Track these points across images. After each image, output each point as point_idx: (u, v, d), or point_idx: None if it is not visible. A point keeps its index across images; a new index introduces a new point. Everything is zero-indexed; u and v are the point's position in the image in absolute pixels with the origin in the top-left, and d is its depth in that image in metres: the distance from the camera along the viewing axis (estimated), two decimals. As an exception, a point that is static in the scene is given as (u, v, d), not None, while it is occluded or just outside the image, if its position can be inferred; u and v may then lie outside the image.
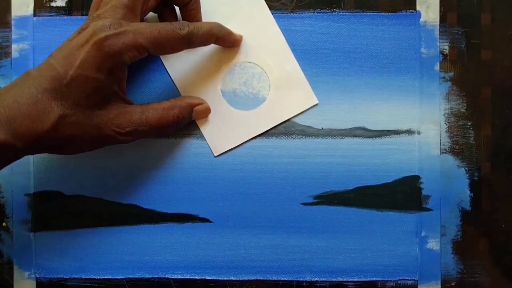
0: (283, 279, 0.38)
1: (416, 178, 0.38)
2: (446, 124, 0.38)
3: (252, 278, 0.38)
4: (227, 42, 0.37)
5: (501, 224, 0.38)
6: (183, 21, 0.34)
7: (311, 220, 0.38)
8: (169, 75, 0.39)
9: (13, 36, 0.39)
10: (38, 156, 0.38)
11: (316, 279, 0.38)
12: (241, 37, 0.38)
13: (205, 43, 0.35)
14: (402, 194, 0.38)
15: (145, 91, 0.39)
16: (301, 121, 0.38)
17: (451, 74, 0.38)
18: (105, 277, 0.38)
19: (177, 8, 0.37)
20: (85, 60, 0.31)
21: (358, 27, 0.38)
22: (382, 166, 0.38)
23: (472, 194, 0.38)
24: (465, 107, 0.38)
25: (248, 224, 0.38)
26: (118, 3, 0.32)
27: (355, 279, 0.38)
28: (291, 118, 0.38)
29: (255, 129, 0.38)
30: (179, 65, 0.38)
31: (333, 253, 0.38)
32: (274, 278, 0.38)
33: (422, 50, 0.38)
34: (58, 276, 0.38)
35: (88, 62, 0.31)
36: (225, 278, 0.38)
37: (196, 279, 0.38)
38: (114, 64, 0.31)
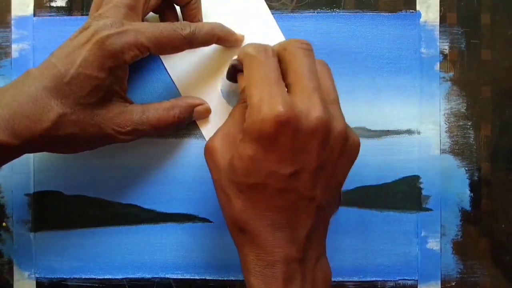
0: (283, 279, 0.38)
1: (416, 178, 0.38)
2: (446, 124, 0.38)
3: (252, 278, 0.38)
4: (229, 42, 0.37)
5: (501, 224, 0.38)
6: (185, 21, 0.34)
7: (311, 220, 0.38)
8: (169, 75, 0.39)
9: (13, 36, 0.39)
10: (38, 156, 0.38)
11: (316, 279, 0.38)
12: (242, 37, 0.38)
13: (206, 43, 0.35)
14: (402, 194, 0.38)
15: (145, 91, 0.38)
16: (301, 121, 0.38)
17: (451, 74, 0.38)
18: (105, 277, 0.38)
19: (178, 8, 0.37)
20: (86, 59, 0.31)
21: (358, 27, 0.38)
22: (382, 166, 0.38)
23: (472, 194, 0.38)
24: (465, 107, 0.38)
25: (248, 224, 0.38)
26: (119, 3, 0.32)
27: (355, 279, 0.38)
28: (291, 118, 0.38)
29: (255, 129, 0.38)
30: (179, 65, 0.38)
31: (333, 253, 0.38)
32: (274, 278, 0.38)
33: (422, 50, 0.38)
34: (58, 276, 0.38)
35: (89, 61, 0.31)
36: (225, 278, 0.38)
37: (196, 279, 0.38)
38: (115, 63, 0.31)
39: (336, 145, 0.29)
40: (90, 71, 0.31)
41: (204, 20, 0.37)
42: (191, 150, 0.38)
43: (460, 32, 0.38)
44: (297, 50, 0.29)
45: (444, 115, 0.38)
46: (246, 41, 0.38)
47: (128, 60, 0.32)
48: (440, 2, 0.38)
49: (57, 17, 0.39)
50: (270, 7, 0.38)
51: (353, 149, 0.30)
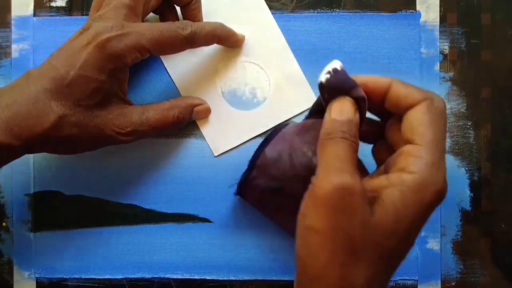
0: (283, 279, 0.38)
1: (416, 178, 0.38)
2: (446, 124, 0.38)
3: (252, 278, 0.38)
4: (230, 42, 0.37)
5: (501, 224, 0.38)
6: (186, 21, 0.34)
7: (311, 220, 0.38)
8: (169, 75, 0.39)
9: (13, 36, 0.39)
10: (38, 156, 0.38)
11: (316, 279, 0.38)
12: (243, 37, 0.38)
13: (207, 43, 0.35)
14: (402, 194, 0.38)
15: (145, 91, 0.39)
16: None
17: (451, 74, 0.38)
18: (105, 277, 0.38)
19: (178, 8, 0.37)
20: (87, 61, 0.31)
21: (358, 27, 0.38)
22: (382, 166, 0.38)
23: (472, 194, 0.38)
24: (465, 107, 0.38)
25: (248, 224, 0.38)
26: (119, 4, 0.32)
27: (355, 279, 0.38)
28: (291, 118, 0.38)
29: (255, 129, 0.38)
30: (179, 65, 0.38)
31: (333, 253, 0.38)
32: (274, 278, 0.38)
33: (422, 50, 0.38)
34: (58, 276, 0.38)
35: (89, 63, 0.31)
36: (225, 278, 0.38)
37: (196, 279, 0.38)
38: (116, 65, 0.31)
39: None
40: (90, 74, 0.31)
41: (204, 20, 0.37)
42: (191, 150, 0.38)
43: (460, 32, 0.38)
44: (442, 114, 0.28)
45: (444, 115, 0.38)
46: (246, 42, 0.38)
47: (128, 63, 0.32)
48: (440, 2, 0.38)
49: (57, 17, 0.39)
50: (270, 7, 0.38)
51: None
